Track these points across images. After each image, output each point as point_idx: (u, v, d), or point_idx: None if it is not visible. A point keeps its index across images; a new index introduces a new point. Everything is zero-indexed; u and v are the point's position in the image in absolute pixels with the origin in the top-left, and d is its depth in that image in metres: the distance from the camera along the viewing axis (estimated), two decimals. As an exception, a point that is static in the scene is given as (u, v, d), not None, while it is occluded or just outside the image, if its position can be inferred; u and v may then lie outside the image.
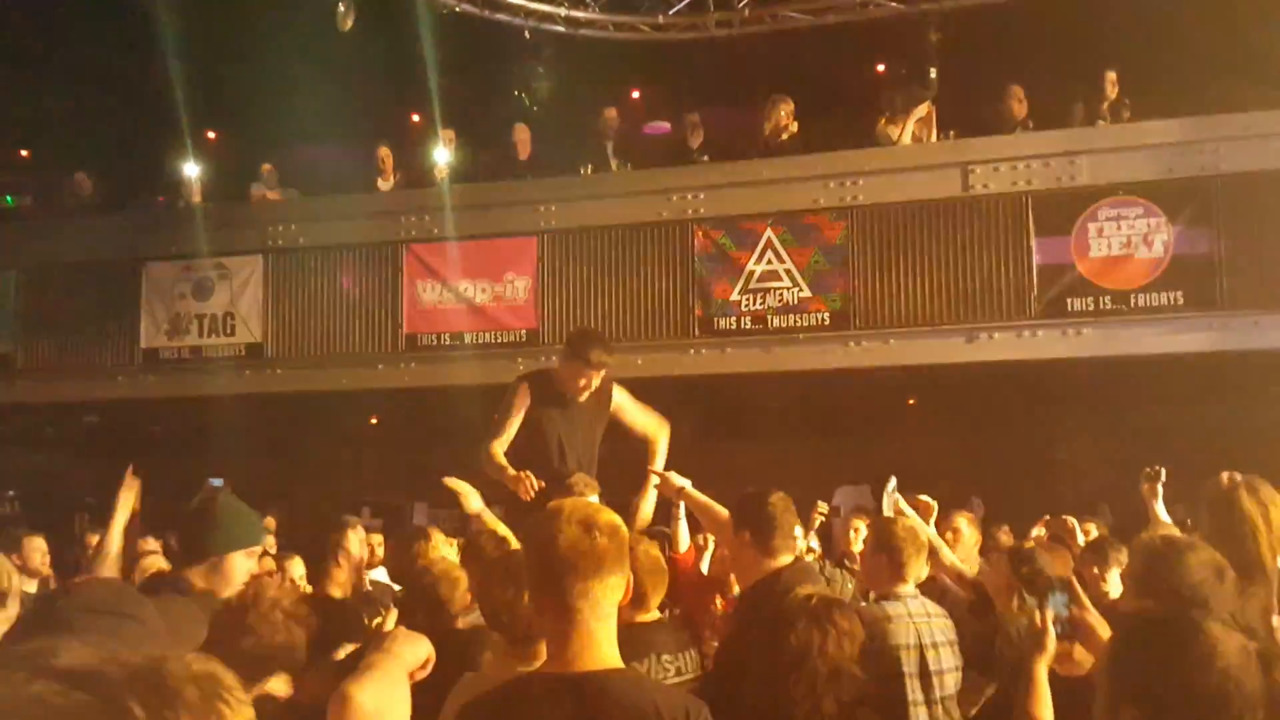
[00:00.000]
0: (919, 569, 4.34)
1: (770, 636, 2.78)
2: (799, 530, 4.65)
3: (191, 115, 10.39)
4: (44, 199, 11.68)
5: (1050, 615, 2.88)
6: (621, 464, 5.36)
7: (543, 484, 4.73)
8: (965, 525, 5.85)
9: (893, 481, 5.55)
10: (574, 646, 2.22)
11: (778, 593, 3.12)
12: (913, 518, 5.09)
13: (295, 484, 11.27)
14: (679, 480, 4.66)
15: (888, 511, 5.52)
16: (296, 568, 5.56)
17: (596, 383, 5.16)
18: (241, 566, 3.45)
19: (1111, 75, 9.58)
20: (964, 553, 5.63)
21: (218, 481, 11.82)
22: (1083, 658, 3.21)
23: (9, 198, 12.54)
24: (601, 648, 2.24)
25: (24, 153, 12.81)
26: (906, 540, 4.25)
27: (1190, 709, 1.95)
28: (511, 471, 4.85)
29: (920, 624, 4.05)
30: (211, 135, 12.01)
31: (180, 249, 10.30)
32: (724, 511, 4.36)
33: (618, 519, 2.37)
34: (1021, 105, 9.43)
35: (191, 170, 10.84)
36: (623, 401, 5.40)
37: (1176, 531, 4.21)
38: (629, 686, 2.24)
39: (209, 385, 10.15)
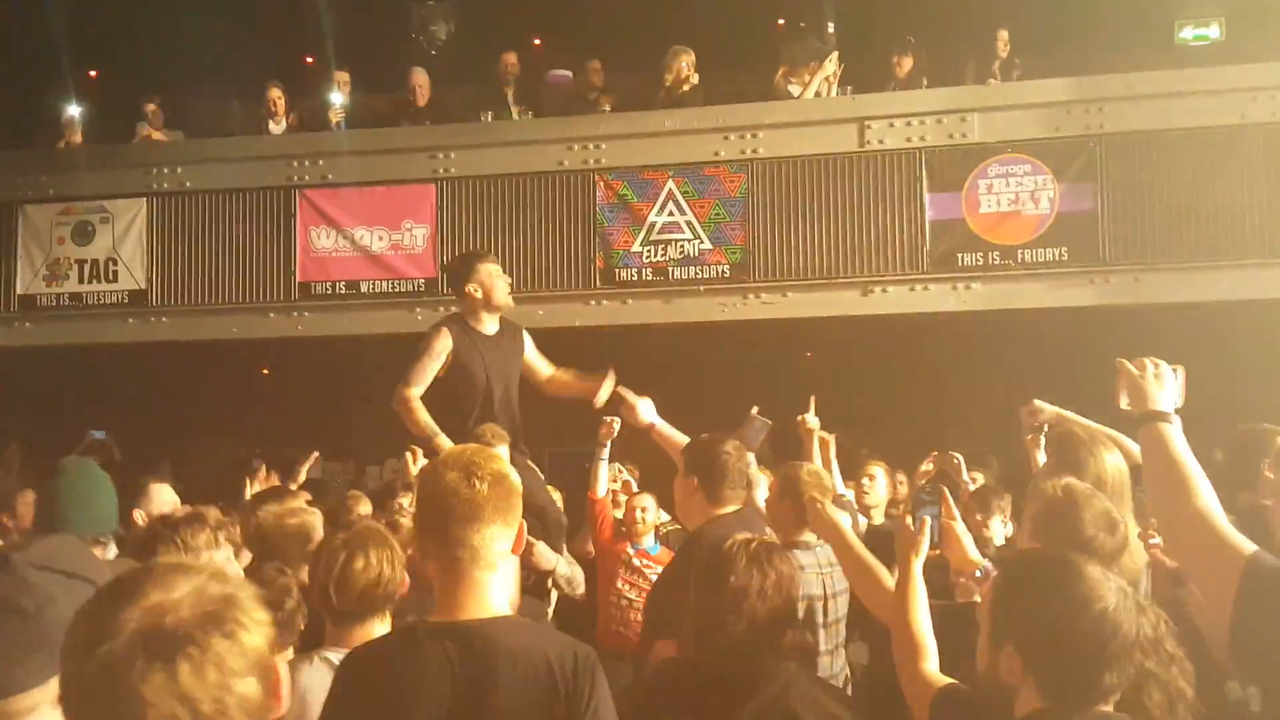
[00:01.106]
0: None
1: (709, 578, 2.80)
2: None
3: (73, 52, 9.93)
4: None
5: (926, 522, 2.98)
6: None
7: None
8: (881, 473, 5.98)
9: (754, 409, 5.58)
10: (458, 595, 2.22)
11: (720, 539, 3.13)
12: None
13: (183, 436, 10.97)
14: (648, 413, 4.38)
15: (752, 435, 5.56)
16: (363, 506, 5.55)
17: (503, 287, 5.10)
18: None
19: (1004, 34, 9.79)
20: (875, 500, 5.80)
21: (99, 434, 11.43)
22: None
23: None
24: (487, 596, 2.24)
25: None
26: (810, 485, 4.29)
27: (1068, 649, 2.05)
28: (439, 436, 4.79)
29: (826, 574, 4.12)
30: (94, 74, 11.49)
31: (60, 191, 9.86)
32: None
33: (506, 467, 2.34)
34: (914, 62, 9.57)
35: (72, 109, 10.34)
36: (531, 348, 5.38)
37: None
38: (516, 633, 2.25)
39: (90, 333, 9.79)
